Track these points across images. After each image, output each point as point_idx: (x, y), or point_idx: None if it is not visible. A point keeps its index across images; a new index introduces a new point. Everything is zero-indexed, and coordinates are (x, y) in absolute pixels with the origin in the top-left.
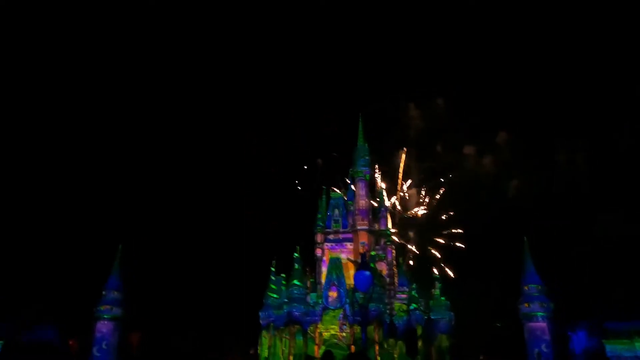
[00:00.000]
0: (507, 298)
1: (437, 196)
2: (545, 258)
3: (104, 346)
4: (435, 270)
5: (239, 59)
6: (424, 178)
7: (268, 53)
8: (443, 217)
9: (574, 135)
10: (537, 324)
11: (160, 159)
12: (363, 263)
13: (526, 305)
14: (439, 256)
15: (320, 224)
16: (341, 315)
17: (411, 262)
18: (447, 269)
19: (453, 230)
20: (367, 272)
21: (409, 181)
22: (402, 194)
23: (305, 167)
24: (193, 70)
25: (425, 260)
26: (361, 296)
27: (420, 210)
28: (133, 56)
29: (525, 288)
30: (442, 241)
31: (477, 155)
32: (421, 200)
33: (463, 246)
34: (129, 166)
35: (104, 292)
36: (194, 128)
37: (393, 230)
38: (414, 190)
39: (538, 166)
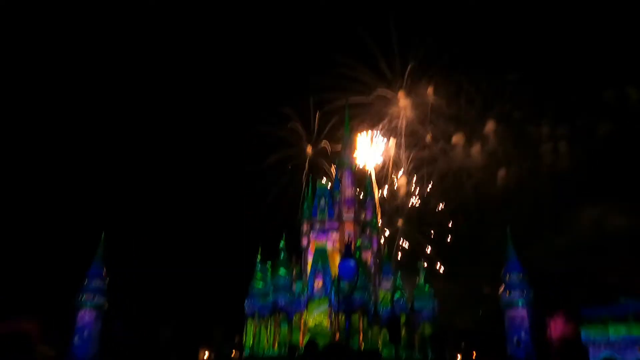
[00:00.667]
0: (489, 287)
1: (428, 186)
2: (527, 247)
3: (85, 335)
4: (421, 259)
5: (238, 58)
6: (413, 168)
7: (265, 51)
8: (434, 208)
9: (560, 126)
10: (517, 312)
11: (147, 149)
12: (348, 252)
13: (507, 293)
14: (427, 246)
15: (307, 213)
16: (328, 305)
17: (399, 254)
18: (434, 259)
19: (448, 225)
20: (352, 262)
21: (401, 170)
22: (394, 181)
23: (290, 167)
24: (192, 70)
25: (412, 249)
26: (346, 285)
27: (412, 200)
28: (132, 55)
29: (507, 276)
30: (431, 232)
31: (466, 145)
32: (412, 189)
33: (450, 237)
34: (117, 156)
35: (85, 281)
36: (176, 116)
37: (380, 220)
38: (404, 181)
39: (524, 157)
